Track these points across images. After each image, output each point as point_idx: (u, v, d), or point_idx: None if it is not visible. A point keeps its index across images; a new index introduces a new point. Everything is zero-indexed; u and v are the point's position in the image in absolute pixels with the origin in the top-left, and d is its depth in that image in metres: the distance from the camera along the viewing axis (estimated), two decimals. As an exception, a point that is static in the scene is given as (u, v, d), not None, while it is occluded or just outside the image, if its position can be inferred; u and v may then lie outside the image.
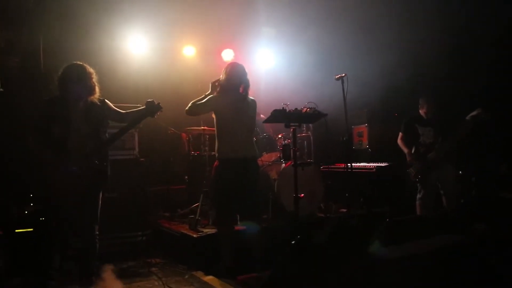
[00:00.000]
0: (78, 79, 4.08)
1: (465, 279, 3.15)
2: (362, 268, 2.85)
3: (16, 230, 5.19)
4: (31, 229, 5.23)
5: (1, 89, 4.06)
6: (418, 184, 5.69)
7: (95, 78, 4.20)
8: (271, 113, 4.37)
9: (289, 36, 8.60)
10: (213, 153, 5.51)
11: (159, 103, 4.41)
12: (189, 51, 8.62)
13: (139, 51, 8.04)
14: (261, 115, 7.17)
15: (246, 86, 4.75)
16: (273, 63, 9.29)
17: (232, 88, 4.70)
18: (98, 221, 4.25)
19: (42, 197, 4.44)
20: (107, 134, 4.33)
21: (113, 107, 4.36)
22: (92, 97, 4.17)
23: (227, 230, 4.78)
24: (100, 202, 4.26)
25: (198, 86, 8.21)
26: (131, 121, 4.33)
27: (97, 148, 4.12)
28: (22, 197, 5.50)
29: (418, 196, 5.71)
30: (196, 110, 4.82)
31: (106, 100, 4.32)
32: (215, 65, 8.75)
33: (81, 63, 4.17)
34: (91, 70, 4.19)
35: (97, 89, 4.20)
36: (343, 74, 4.69)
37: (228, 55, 8.79)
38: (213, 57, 8.81)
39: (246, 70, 4.79)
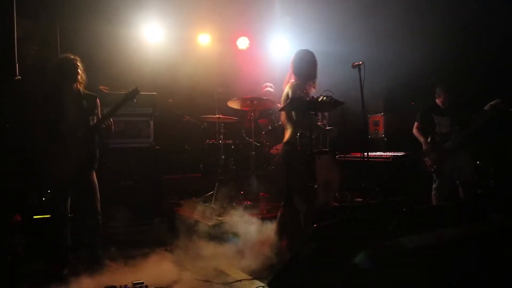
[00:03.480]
0: (68, 72, 4.51)
1: (482, 269, 3.13)
2: (378, 258, 2.84)
3: (34, 217, 5.25)
4: (49, 216, 5.29)
5: (19, 77, 4.15)
6: (433, 174, 5.65)
7: (81, 69, 4.59)
8: (288, 101, 4.35)
9: (304, 24, 8.53)
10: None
11: (136, 87, 4.75)
12: (204, 39, 8.60)
13: (154, 39, 8.05)
14: (278, 104, 7.15)
15: None
16: (288, 51, 9.23)
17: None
18: (97, 199, 4.69)
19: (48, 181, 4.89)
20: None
21: (99, 108, 4.77)
22: (81, 88, 4.63)
23: None
24: (95, 182, 4.68)
25: (213, 74, 8.24)
26: (114, 106, 4.65)
27: (86, 135, 4.53)
28: (40, 184, 5.56)
29: (434, 185, 5.68)
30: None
31: (98, 99, 4.78)
32: (230, 53, 8.74)
33: (67, 55, 4.60)
34: (78, 61, 4.58)
35: (84, 81, 4.63)
36: (360, 62, 4.62)
37: (243, 43, 8.78)
38: (228, 45, 8.79)
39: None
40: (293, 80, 4.85)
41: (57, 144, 4.41)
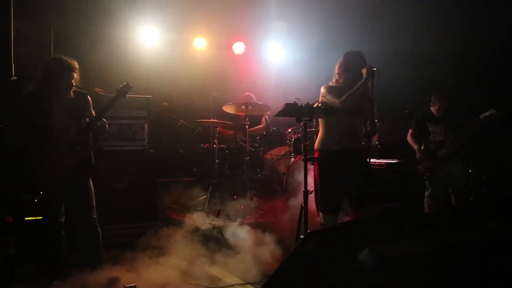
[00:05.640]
0: (59, 73, 4.28)
1: (474, 277, 3.13)
2: (368, 266, 2.84)
3: (26, 218, 5.22)
4: (40, 217, 5.26)
5: (15, 77, 4.12)
6: (426, 181, 5.67)
7: (75, 71, 4.36)
8: (283, 107, 4.35)
9: (300, 30, 8.57)
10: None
11: (128, 83, 4.54)
12: (200, 43, 8.61)
13: (150, 42, 8.05)
14: (268, 112, 7.17)
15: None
16: (284, 57, 9.27)
17: None
18: (93, 208, 4.47)
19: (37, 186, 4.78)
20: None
21: (91, 106, 4.53)
22: (72, 89, 4.37)
23: None
24: (91, 189, 4.48)
25: (209, 78, 8.25)
26: (104, 106, 4.44)
27: (78, 136, 4.32)
28: (32, 185, 5.53)
29: (426, 193, 5.70)
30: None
31: (88, 97, 4.53)
32: (226, 58, 8.75)
33: (60, 56, 4.37)
34: (70, 62, 4.33)
35: (76, 80, 4.39)
36: (375, 68, 4.41)
37: (239, 48, 8.79)
38: (224, 50, 8.80)
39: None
40: (332, 83, 4.67)
41: (47, 146, 4.21)
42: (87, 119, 4.41)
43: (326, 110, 4.47)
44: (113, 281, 4.25)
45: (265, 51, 9.23)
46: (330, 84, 4.63)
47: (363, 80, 4.32)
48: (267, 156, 6.92)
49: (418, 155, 5.74)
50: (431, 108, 5.72)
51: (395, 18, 7.45)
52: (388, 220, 3.32)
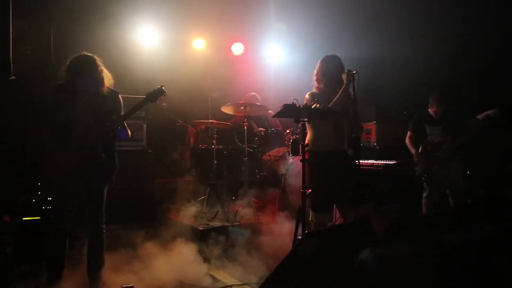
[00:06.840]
0: (85, 72, 4.01)
1: (469, 279, 3.14)
2: (365, 266, 2.85)
3: (24, 218, 5.21)
4: (38, 217, 5.25)
5: (14, 77, 4.07)
6: (424, 183, 5.68)
7: (104, 70, 4.11)
8: (282, 108, 4.35)
9: (299, 31, 8.58)
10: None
11: (162, 87, 4.24)
12: (199, 44, 8.63)
13: (149, 43, 8.06)
14: (269, 111, 7.17)
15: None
16: (283, 58, 9.28)
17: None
18: (102, 216, 4.20)
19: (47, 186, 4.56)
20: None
21: (122, 105, 4.24)
22: (101, 89, 4.08)
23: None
24: (104, 196, 4.20)
25: (207, 79, 8.24)
26: (132, 108, 4.13)
27: (100, 139, 4.03)
28: (30, 186, 5.52)
29: (424, 194, 5.70)
30: None
31: (120, 95, 4.24)
32: (224, 59, 8.76)
33: (89, 54, 4.09)
34: (99, 61, 4.10)
35: (106, 80, 4.11)
36: (354, 71, 4.59)
37: (238, 49, 8.80)
38: (223, 51, 8.81)
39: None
40: (314, 89, 4.82)
41: (65, 148, 3.92)
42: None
43: (324, 111, 4.48)
44: (111, 281, 4.22)
45: (264, 52, 9.24)
46: (313, 91, 4.80)
47: (345, 84, 4.49)
48: (266, 157, 6.92)
49: (415, 159, 5.74)
50: (429, 110, 5.72)
51: (394, 19, 7.46)
52: (387, 222, 3.33)
